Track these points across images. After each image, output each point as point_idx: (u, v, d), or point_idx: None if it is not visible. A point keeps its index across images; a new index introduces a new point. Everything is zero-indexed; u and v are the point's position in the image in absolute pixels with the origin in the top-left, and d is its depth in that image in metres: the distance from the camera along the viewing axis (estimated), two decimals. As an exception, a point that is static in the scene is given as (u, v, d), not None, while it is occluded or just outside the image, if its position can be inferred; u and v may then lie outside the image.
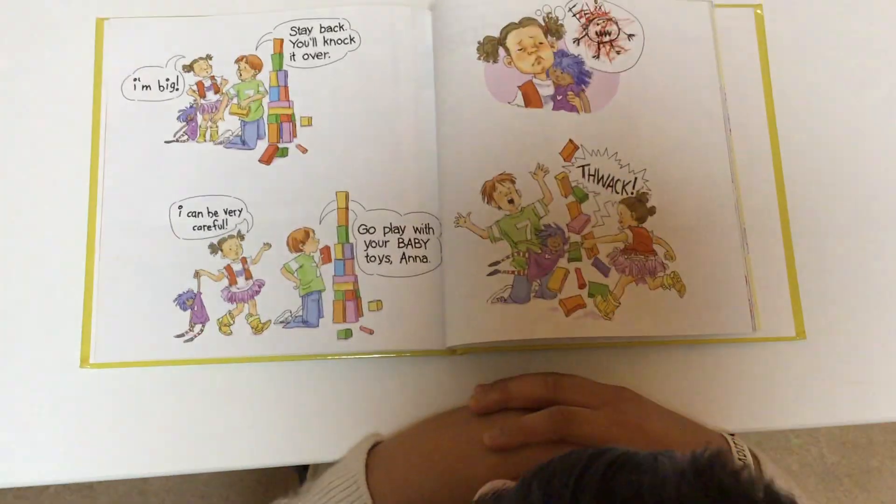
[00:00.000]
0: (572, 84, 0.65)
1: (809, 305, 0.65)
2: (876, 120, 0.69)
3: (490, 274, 0.61)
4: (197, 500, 1.39)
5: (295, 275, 0.63)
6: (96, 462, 0.61)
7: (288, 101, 0.66)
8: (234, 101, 0.66)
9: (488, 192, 0.62)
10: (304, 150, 0.65)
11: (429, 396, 0.63)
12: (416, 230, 0.64)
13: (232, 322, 0.62)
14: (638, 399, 0.59)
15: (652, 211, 0.64)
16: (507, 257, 0.61)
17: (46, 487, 1.39)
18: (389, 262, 0.63)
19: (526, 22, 0.66)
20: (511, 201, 0.62)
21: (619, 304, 0.61)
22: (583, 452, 0.33)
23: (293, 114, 0.66)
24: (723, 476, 0.31)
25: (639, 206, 0.64)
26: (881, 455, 1.46)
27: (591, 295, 0.61)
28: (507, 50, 0.65)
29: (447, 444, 0.58)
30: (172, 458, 0.61)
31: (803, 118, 0.69)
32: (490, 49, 0.65)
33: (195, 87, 0.67)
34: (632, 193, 0.64)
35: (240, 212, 0.64)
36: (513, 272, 0.61)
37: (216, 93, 0.67)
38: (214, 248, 0.64)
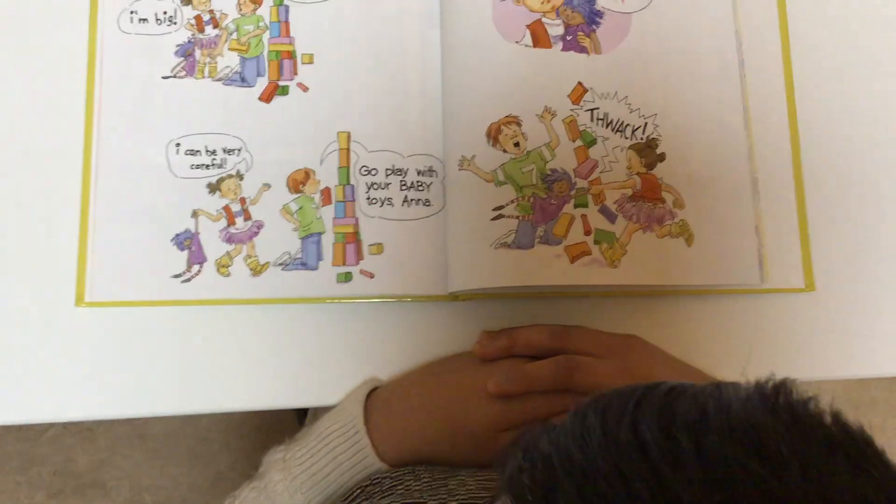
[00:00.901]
0: (583, 24, 0.63)
1: (819, 258, 0.63)
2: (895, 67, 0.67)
3: (494, 219, 0.59)
4: (196, 444, 1.40)
5: (294, 216, 0.62)
6: (93, 401, 0.60)
7: (289, 37, 0.64)
8: (234, 36, 0.64)
9: (493, 135, 0.60)
10: (306, 89, 0.64)
11: (429, 342, 0.62)
12: (418, 173, 0.62)
13: (230, 263, 0.61)
14: (647, 348, 0.58)
15: (662, 157, 0.62)
16: (512, 202, 0.60)
17: (46, 429, 1.40)
18: (391, 204, 0.62)
19: (536, -42, 0.63)
20: (517, 144, 0.61)
21: (626, 251, 0.60)
22: (639, 384, 0.32)
23: (294, 51, 0.64)
24: (792, 401, 0.30)
25: (648, 151, 0.62)
26: (884, 413, 1.46)
27: (596, 242, 0.60)
28: (516, -13, 0.63)
29: (449, 389, 0.58)
30: (169, 399, 0.61)
31: (820, 64, 0.67)
32: (499, -14, 0.62)
33: (193, 21, 0.65)
34: (641, 139, 0.62)
35: (239, 151, 0.63)
36: (517, 217, 0.59)
37: (215, 27, 0.65)
38: (213, 188, 0.62)
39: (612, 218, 0.60)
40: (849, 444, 0.29)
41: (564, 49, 0.62)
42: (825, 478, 0.28)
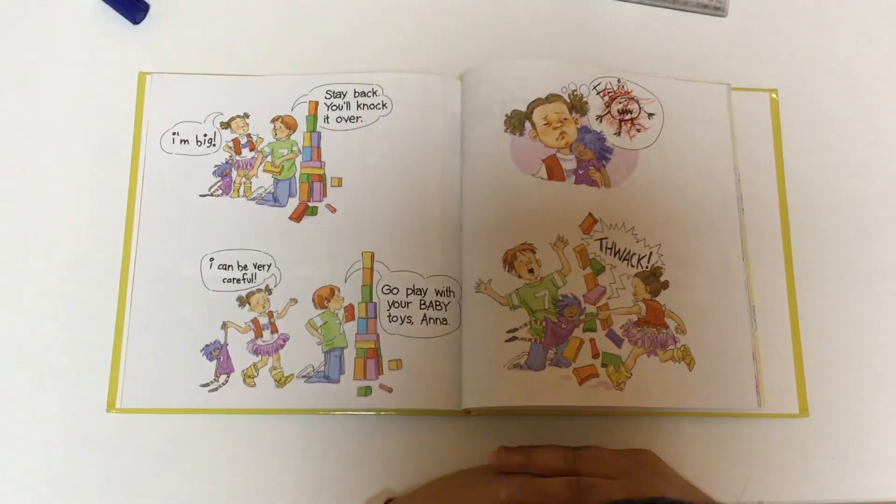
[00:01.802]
0: (594, 159, 0.68)
1: (813, 384, 0.67)
2: (886, 205, 0.72)
3: (508, 340, 0.63)
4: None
5: (319, 331, 0.65)
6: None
7: (320, 161, 0.69)
8: (269, 158, 0.69)
9: (510, 261, 0.65)
10: (334, 210, 0.68)
11: (442, 456, 0.65)
12: (437, 293, 0.66)
13: (256, 374, 0.64)
14: (656, 466, 0.61)
15: (665, 285, 0.66)
16: (525, 325, 0.63)
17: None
18: (411, 322, 0.65)
19: (552, 98, 0.69)
20: (531, 270, 0.65)
21: (631, 375, 0.63)
22: (645, 497, 0.35)
23: (324, 174, 0.69)
24: None
25: (653, 279, 0.66)
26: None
27: (604, 365, 0.63)
28: (532, 124, 0.68)
29: (462, 502, 0.60)
30: (192, 505, 0.63)
31: (814, 200, 0.71)
32: (517, 123, 0.67)
33: (231, 144, 0.69)
34: (646, 267, 0.66)
35: (268, 266, 0.67)
36: (530, 340, 0.63)
37: (251, 150, 0.69)
38: (242, 301, 0.66)
39: (618, 342, 0.64)
40: None
41: (577, 182, 0.67)
42: None
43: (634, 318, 0.65)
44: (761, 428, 0.66)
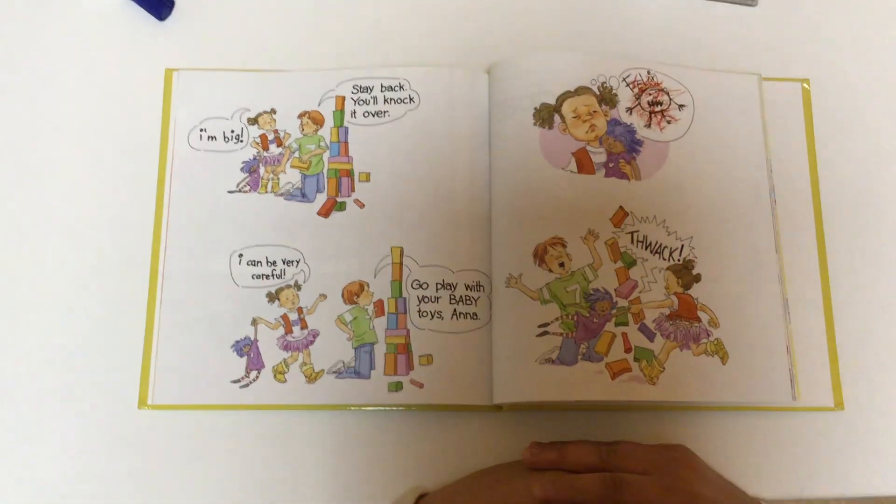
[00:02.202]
0: (624, 152, 0.67)
1: (848, 377, 0.66)
2: (918, 196, 0.71)
3: (539, 335, 0.63)
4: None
5: (349, 326, 0.65)
6: (151, 501, 0.63)
7: (347, 156, 0.69)
8: (296, 154, 0.69)
9: (540, 255, 0.64)
10: (362, 205, 0.68)
11: (474, 451, 0.64)
12: (467, 287, 0.66)
13: (286, 370, 0.64)
14: (692, 462, 0.60)
15: (697, 278, 0.65)
16: (556, 319, 0.63)
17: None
18: (441, 317, 0.65)
19: (581, 91, 0.68)
20: (562, 265, 0.64)
21: (664, 369, 0.63)
22: None
23: (352, 169, 0.69)
24: None
25: (685, 273, 0.65)
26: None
27: (636, 359, 0.63)
28: (562, 117, 0.67)
29: (495, 496, 0.60)
30: (224, 501, 0.63)
31: (847, 191, 0.70)
32: (546, 116, 0.67)
33: (259, 140, 0.69)
34: (678, 260, 0.66)
35: (297, 262, 0.66)
36: (561, 334, 0.63)
37: (279, 146, 0.69)
38: (272, 297, 0.66)
39: (650, 336, 0.64)
40: None
41: (607, 175, 0.67)
42: None
43: (667, 311, 0.64)
44: (796, 421, 0.65)
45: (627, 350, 0.63)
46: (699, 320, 0.64)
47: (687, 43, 0.74)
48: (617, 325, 0.64)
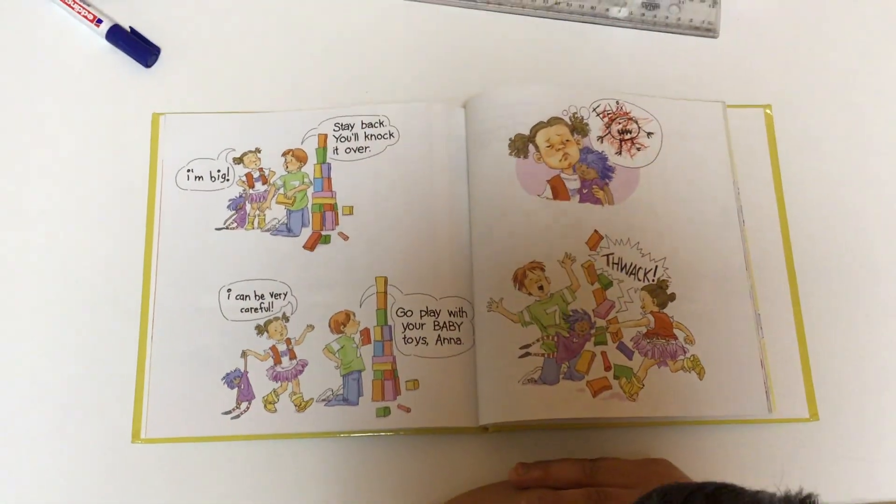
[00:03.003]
0: (597, 178, 0.70)
1: (821, 389, 0.68)
2: (881, 212, 0.74)
3: (521, 356, 0.65)
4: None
5: (336, 355, 0.67)
6: (144, 533, 0.64)
7: (331, 191, 0.71)
8: (281, 191, 0.71)
9: (519, 279, 0.66)
10: (346, 238, 0.70)
11: (461, 473, 0.66)
12: (450, 314, 0.68)
13: (276, 400, 0.66)
14: (671, 474, 0.61)
15: (672, 297, 0.68)
16: (538, 340, 0.65)
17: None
18: (425, 343, 0.67)
19: (554, 121, 0.71)
20: (541, 288, 0.66)
21: (643, 385, 0.65)
22: (692, 483, 0.39)
23: (335, 203, 0.71)
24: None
25: (659, 292, 0.68)
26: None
27: (616, 377, 0.65)
28: (536, 146, 0.70)
29: (483, 516, 0.62)
30: (218, 531, 0.64)
31: (812, 210, 0.73)
32: (520, 146, 0.70)
33: (244, 178, 0.72)
34: (653, 281, 0.68)
35: (285, 295, 0.68)
36: (542, 355, 0.65)
37: (264, 183, 0.72)
38: (261, 330, 0.68)
39: (629, 354, 0.66)
40: None
41: (581, 201, 0.69)
42: None
43: (644, 330, 0.67)
44: (773, 433, 0.67)
45: (607, 368, 0.65)
46: (675, 338, 0.67)
47: (653, 74, 0.77)
48: (596, 344, 0.66)
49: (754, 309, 0.68)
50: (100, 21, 0.75)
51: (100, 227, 0.71)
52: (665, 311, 0.67)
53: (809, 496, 0.37)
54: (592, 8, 0.78)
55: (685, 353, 0.66)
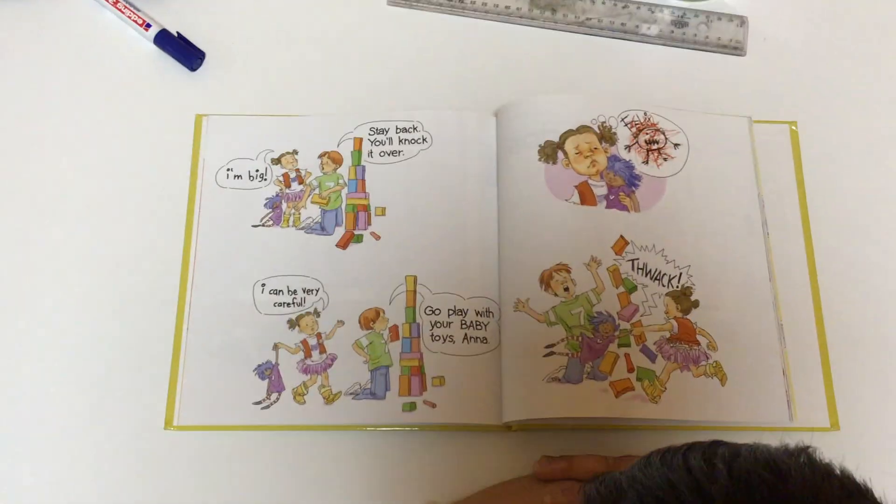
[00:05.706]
0: (624, 186, 0.72)
1: (843, 398, 0.69)
2: (902, 227, 0.75)
3: (546, 355, 0.66)
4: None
5: (365, 350, 0.69)
6: (173, 519, 0.66)
7: (364, 192, 0.73)
8: (316, 191, 0.74)
9: (546, 281, 0.68)
10: (378, 237, 0.72)
11: (484, 469, 0.67)
12: (477, 313, 0.69)
13: (306, 392, 0.67)
14: None
15: (695, 304, 0.69)
16: (562, 340, 0.66)
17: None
18: (452, 341, 0.69)
19: (582, 129, 0.73)
20: (566, 289, 0.68)
21: (665, 388, 0.66)
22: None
23: (369, 204, 0.73)
24: (810, 452, 0.38)
25: (683, 298, 0.69)
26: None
27: (639, 379, 0.66)
28: (565, 153, 0.72)
29: (507, 509, 0.63)
30: (245, 518, 0.66)
31: (836, 224, 0.74)
32: (550, 152, 0.72)
33: (281, 178, 0.74)
34: (677, 287, 0.69)
35: (317, 291, 0.70)
36: (567, 354, 0.66)
37: (300, 183, 0.74)
38: (292, 324, 0.70)
39: (652, 357, 0.67)
40: (846, 480, 0.39)
41: (608, 207, 0.71)
42: (822, 490, 0.37)
43: (667, 334, 0.68)
44: (794, 442, 0.68)
45: (630, 370, 0.66)
46: (698, 343, 0.68)
47: (680, 89, 0.79)
48: (620, 346, 0.67)
49: (777, 318, 0.69)
50: (149, 25, 0.79)
51: (142, 222, 0.74)
52: (688, 317, 0.69)
53: (808, 446, 0.39)
54: (623, 24, 0.81)
55: (708, 359, 0.67)
